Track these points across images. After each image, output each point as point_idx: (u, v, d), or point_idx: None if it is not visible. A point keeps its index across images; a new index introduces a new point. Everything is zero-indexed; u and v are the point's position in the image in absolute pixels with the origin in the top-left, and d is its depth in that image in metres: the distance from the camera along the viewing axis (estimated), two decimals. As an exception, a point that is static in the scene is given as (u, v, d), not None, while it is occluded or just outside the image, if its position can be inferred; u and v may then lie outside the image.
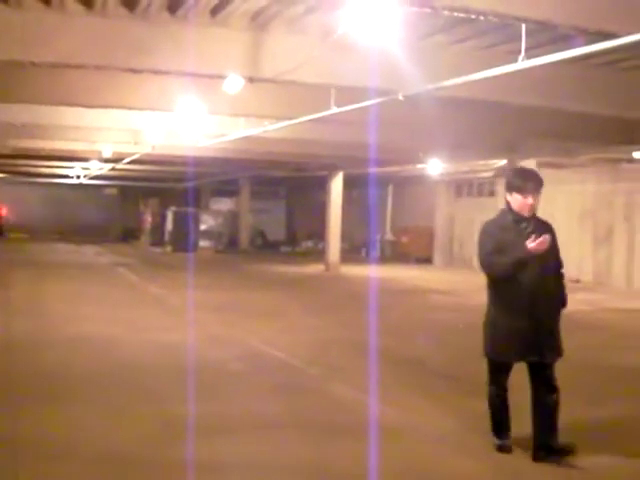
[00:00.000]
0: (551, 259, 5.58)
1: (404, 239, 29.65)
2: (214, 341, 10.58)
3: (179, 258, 27.83)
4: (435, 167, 22.47)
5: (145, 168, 28.70)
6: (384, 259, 29.14)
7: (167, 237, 33.54)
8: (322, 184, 26.05)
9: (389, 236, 31.87)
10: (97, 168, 28.36)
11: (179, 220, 32.62)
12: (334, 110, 10.50)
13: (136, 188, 39.98)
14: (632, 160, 17.39)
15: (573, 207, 20.99)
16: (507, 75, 7.74)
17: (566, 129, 13.73)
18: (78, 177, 33.00)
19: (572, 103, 10.31)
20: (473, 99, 9.99)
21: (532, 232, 5.37)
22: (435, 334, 11.70)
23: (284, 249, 35.54)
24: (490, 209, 26.38)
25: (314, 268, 24.73)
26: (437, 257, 28.50)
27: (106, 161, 24.79)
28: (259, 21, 8.24)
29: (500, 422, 5.77)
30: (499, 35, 8.45)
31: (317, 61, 8.11)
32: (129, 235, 39.21)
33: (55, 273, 20.71)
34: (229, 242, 34.42)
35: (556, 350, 5.56)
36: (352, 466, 5.45)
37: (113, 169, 27.88)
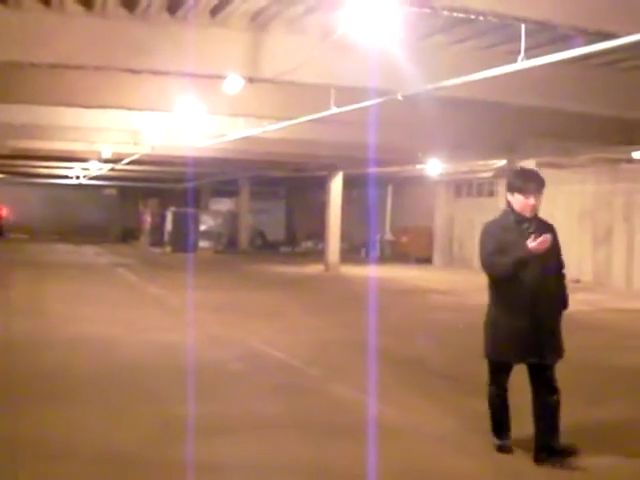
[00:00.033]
0: (552, 259, 5.57)
1: (404, 239, 29.65)
2: (214, 341, 10.58)
3: (178, 258, 27.82)
4: (435, 167, 22.47)
5: (144, 168, 28.71)
6: (384, 259, 29.14)
7: (167, 237, 33.54)
8: (322, 184, 26.05)
9: (389, 236, 31.87)
10: (96, 168, 28.36)
11: (179, 220, 32.62)
12: (334, 110, 10.50)
13: (135, 188, 39.98)
14: (631, 160, 17.39)
15: (572, 207, 21.00)
16: (506, 75, 7.74)
17: (565, 129, 13.73)
18: (77, 177, 33.01)
19: (571, 103, 10.32)
20: (472, 99, 9.99)
21: (533, 232, 5.35)
22: (435, 334, 11.70)
23: (284, 249, 35.54)
24: (490, 209, 26.46)
25: (314, 268, 24.73)
26: (437, 257, 28.50)
27: (105, 161, 24.79)
28: (259, 21, 8.24)
29: (500, 422, 5.77)
30: (498, 35, 8.45)
31: (317, 61, 8.11)
32: (128, 235, 39.21)
33: (55, 273, 20.71)
34: (229, 242, 34.42)
35: (557, 351, 5.55)
36: (352, 466, 5.45)
37: (112, 169, 27.87)
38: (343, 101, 10.37)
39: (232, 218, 35.92)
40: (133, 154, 21.12)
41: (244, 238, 34.75)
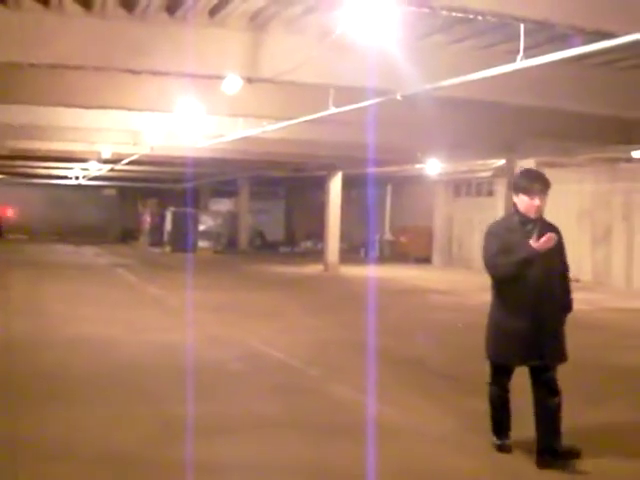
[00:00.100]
0: (556, 261, 5.55)
1: (403, 239, 29.65)
2: (213, 341, 10.58)
3: (178, 259, 27.82)
4: (434, 167, 22.48)
5: (144, 169, 28.73)
6: (383, 259, 29.14)
7: (166, 238, 33.54)
8: (321, 184, 26.05)
9: (388, 236, 31.88)
10: (96, 169, 28.38)
11: (178, 221, 32.62)
12: (332, 110, 10.50)
13: (135, 189, 39.99)
14: (630, 159, 17.41)
15: (571, 207, 21.00)
16: (505, 75, 7.74)
17: (564, 129, 13.75)
18: (77, 178, 33.02)
19: (570, 103, 10.33)
20: (471, 99, 10.00)
21: (537, 233, 5.33)
22: (434, 334, 11.70)
23: (283, 249, 35.54)
24: (489, 209, 26.44)
25: (313, 268, 24.73)
26: (436, 257, 28.50)
27: (105, 162, 24.81)
28: (258, 21, 8.25)
29: (500, 422, 5.77)
30: (497, 35, 8.46)
31: (315, 61, 8.12)
32: (128, 236, 39.20)
33: (54, 274, 20.70)
34: (228, 242, 34.41)
35: (559, 354, 5.52)
36: (351, 466, 5.45)
37: (112, 170, 27.89)
38: (342, 101, 10.38)
39: (231, 218, 35.91)
40: (132, 154, 21.13)
41: (243, 238, 34.74)
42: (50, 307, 13.83)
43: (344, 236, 26.72)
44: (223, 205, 38.84)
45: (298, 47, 8.41)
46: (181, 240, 31.15)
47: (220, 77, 8.92)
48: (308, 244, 35.61)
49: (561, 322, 5.61)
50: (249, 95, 10.30)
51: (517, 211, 5.57)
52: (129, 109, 12.50)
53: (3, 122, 14.11)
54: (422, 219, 29.25)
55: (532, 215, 5.50)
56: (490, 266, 5.53)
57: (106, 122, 14.43)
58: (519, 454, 5.66)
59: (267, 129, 13.53)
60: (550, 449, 5.45)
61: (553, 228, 5.53)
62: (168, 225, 33.50)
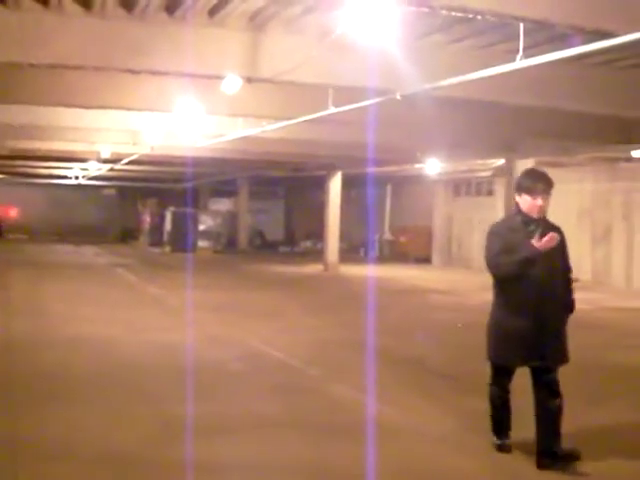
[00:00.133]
0: (559, 261, 5.53)
1: (402, 239, 29.66)
2: (213, 341, 10.58)
3: (178, 258, 27.82)
4: (433, 167, 22.48)
5: (144, 169, 28.73)
6: (383, 259, 29.14)
7: (166, 237, 33.54)
8: (320, 184, 26.06)
9: (388, 236, 31.88)
10: (96, 169, 28.38)
11: (178, 220, 32.63)
12: (332, 110, 10.50)
13: (135, 188, 39.97)
14: (630, 159, 17.40)
15: (571, 206, 21.00)
16: (505, 74, 7.74)
17: (564, 128, 13.74)
18: (77, 178, 33.02)
19: (570, 102, 10.32)
20: (471, 98, 9.99)
21: (540, 233, 5.31)
22: (434, 334, 11.70)
23: (283, 249, 35.54)
24: (488, 208, 26.40)
25: (313, 268, 24.73)
26: (435, 257, 28.50)
27: (105, 162, 24.81)
28: (257, 21, 8.24)
29: (500, 422, 5.76)
30: (497, 34, 8.46)
31: (315, 61, 8.11)
32: (128, 235, 39.20)
33: (54, 273, 20.71)
34: (228, 242, 34.41)
35: (561, 355, 5.49)
36: (351, 466, 5.46)
37: (112, 170, 27.89)
38: (341, 101, 10.38)
39: (231, 218, 35.92)
40: (132, 154, 21.13)
41: (243, 238, 34.75)
42: (50, 307, 13.83)
43: (344, 236, 26.73)
44: (223, 205, 38.85)
45: (297, 47, 8.41)
46: (181, 240, 31.15)
47: (219, 77, 8.92)
48: (308, 244, 35.62)
49: (563, 322, 5.59)
50: (248, 95, 10.30)
51: (520, 211, 5.54)
52: (129, 109, 12.49)
53: (3, 122, 14.11)
54: (422, 219, 29.26)
55: (535, 215, 5.47)
56: (492, 266, 5.50)
57: (106, 122, 14.43)
58: (519, 454, 5.66)
59: (267, 129, 13.52)
60: (549, 452, 5.43)
61: (556, 228, 5.51)
62: (168, 225, 33.50)
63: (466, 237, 26.66)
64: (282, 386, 8.02)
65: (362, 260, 28.29)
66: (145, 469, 5.40)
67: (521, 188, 5.54)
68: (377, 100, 9.79)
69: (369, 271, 22.47)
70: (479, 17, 6.58)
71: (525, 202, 5.49)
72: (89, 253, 30.22)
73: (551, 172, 5.67)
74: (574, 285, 5.82)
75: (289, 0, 7.58)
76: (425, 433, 6.41)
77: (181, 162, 24.60)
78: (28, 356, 9.13)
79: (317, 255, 27.17)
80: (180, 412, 6.63)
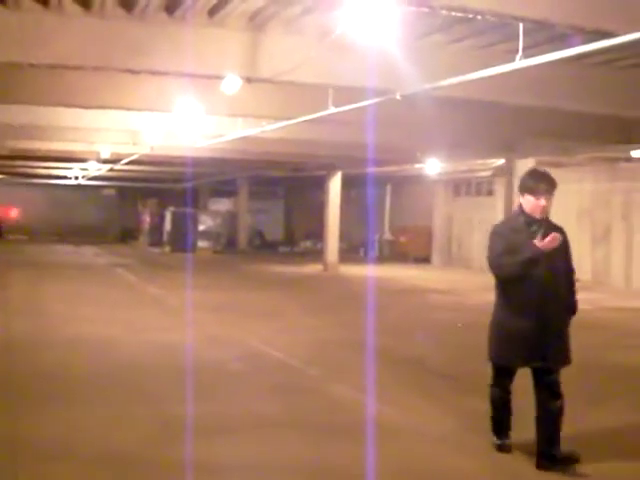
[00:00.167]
0: (562, 262, 5.50)
1: (402, 239, 29.66)
2: (213, 341, 10.58)
3: (177, 258, 27.82)
4: (433, 166, 22.48)
5: (143, 169, 28.73)
6: (382, 259, 29.14)
7: (166, 237, 33.55)
8: (320, 184, 26.06)
9: (387, 236, 31.88)
10: (95, 169, 28.38)
11: (177, 220, 32.63)
12: (332, 110, 10.50)
13: (134, 189, 39.99)
14: (630, 159, 17.40)
15: (571, 206, 21.01)
16: (505, 74, 7.74)
17: (564, 128, 13.75)
18: (76, 178, 33.02)
19: (569, 102, 10.33)
20: (471, 98, 10.00)
21: (542, 234, 5.29)
22: (434, 333, 11.70)
23: (282, 249, 35.54)
24: (488, 208, 26.36)
25: (312, 268, 24.73)
26: (435, 256, 28.50)
27: (104, 162, 24.81)
28: (257, 21, 8.24)
29: (501, 422, 5.74)
30: (496, 34, 8.46)
31: (315, 61, 8.12)
32: (127, 236, 39.21)
33: (54, 274, 20.71)
34: (227, 242, 34.42)
35: (563, 356, 5.47)
36: (351, 466, 5.45)
37: (111, 170, 27.90)
38: (341, 101, 10.38)
39: (231, 218, 35.93)
40: (132, 154, 21.14)
41: (243, 238, 34.76)
42: (50, 307, 13.83)
43: (343, 236, 26.73)
44: (222, 205, 38.86)
45: (297, 47, 8.41)
46: (180, 240, 31.16)
47: (219, 77, 8.92)
48: (307, 244, 35.62)
49: (565, 323, 5.56)
50: (248, 95, 10.30)
51: (523, 211, 5.51)
52: (128, 109, 12.49)
53: (3, 122, 14.11)
54: (422, 219, 29.25)
55: (538, 215, 5.45)
56: (494, 266, 5.47)
57: (105, 122, 14.44)
58: (519, 454, 5.65)
59: (266, 129, 13.53)
60: (548, 455, 5.40)
61: (558, 229, 5.48)
62: (167, 225, 33.51)
63: (466, 237, 26.66)
64: (282, 386, 8.02)
65: (362, 260, 28.29)
66: (145, 469, 5.39)
67: (524, 188, 5.51)
68: (377, 100, 9.79)
69: (369, 271, 22.47)
70: (479, 17, 6.58)
71: (528, 202, 5.47)
72: (89, 253, 30.22)
73: (551, 172, 5.66)
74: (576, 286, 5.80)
75: (289, 0, 7.58)
76: (425, 433, 6.41)
77: (181, 162, 24.60)
78: (28, 356, 9.13)
79: (317, 255, 27.17)
80: (180, 412, 6.63)
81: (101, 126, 15.20)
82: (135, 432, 6.20)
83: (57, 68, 9.33)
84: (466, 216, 26.69)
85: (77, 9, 7.81)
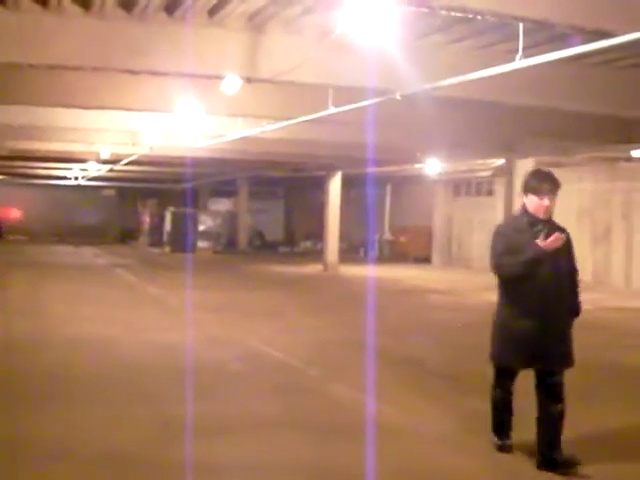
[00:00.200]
0: (565, 263, 5.48)
1: (402, 239, 29.66)
2: (213, 341, 10.58)
3: (177, 259, 27.82)
4: (433, 167, 22.48)
5: (143, 169, 28.73)
6: (382, 259, 29.14)
7: (165, 238, 33.55)
8: (320, 184, 26.06)
9: (387, 236, 31.89)
10: (95, 169, 28.38)
11: (177, 221, 32.64)
12: (332, 110, 10.50)
13: (134, 189, 40.01)
14: (630, 159, 17.40)
15: (571, 206, 21.00)
16: (504, 74, 7.74)
17: (563, 128, 13.75)
18: (76, 178, 33.02)
19: (569, 102, 10.33)
20: (471, 98, 10.00)
21: (545, 234, 5.24)
22: (434, 334, 11.70)
23: (282, 249, 35.55)
24: (488, 208, 26.30)
25: (312, 268, 24.73)
26: (435, 257, 28.50)
27: (104, 162, 24.82)
28: (256, 22, 8.24)
29: (502, 422, 5.72)
30: (496, 34, 8.46)
31: (314, 61, 8.12)
32: (127, 236, 39.23)
33: (54, 274, 20.70)
34: (227, 242, 34.43)
35: (565, 358, 5.44)
36: (351, 466, 5.45)
37: (111, 170, 27.89)
38: (341, 101, 10.38)
39: (231, 218, 35.94)
40: (132, 155, 21.14)
41: (243, 238, 34.77)
42: (50, 307, 13.83)
43: (343, 236, 26.73)
44: (222, 205, 38.88)
45: (297, 47, 8.41)
46: (180, 240, 31.16)
47: (219, 77, 8.93)
48: (307, 244, 35.64)
49: (568, 325, 5.53)
50: (248, 95, 10.30)
51: (526, 212, 5.48)
52: (128, 109, 12.50)
53: (2, 123, 14.11)
54: (421, 219, 29.26)
55: (541, 216, 5.42)
56: (497, 266, 5.45)
57: (105, 122, 14.44)
58: (520, 455, 5.64)
59: (266, 129, 13.53)
60: (549, 458, 5.36)
61: (562, 230, 5.42)
62: (167, 225, 33.52)
63: (466, 237, 26.66)
64: (282, 386, 8.01)
65: (362, 260, 28.29)
66: (145, 469, 5.39)
67: (527, 188, 5.48)
68: (377, 100, 9.79)
69: (369, 271, 22.46)
70: (479, 17, 6.59)
71: (531, 202, 5.44)
72: (89, 254, 30.22)
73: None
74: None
75: (288, 0, 7.58)
76: (425, 433, 6.40)
77: (181, 162, 24.60)
78: (28, 356, 9.12)
79: (317, 255, 27.16)
80: (180, 412, 6.63)
81: (100, 126, 15.21)
82: (135, 432, 6.20)
83: (56, 68, 9.33)
84: (466, 216, 26.69)
85: (76, 9, 7.81)
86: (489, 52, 8.94)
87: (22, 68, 9.48)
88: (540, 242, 5.21)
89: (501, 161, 19.96)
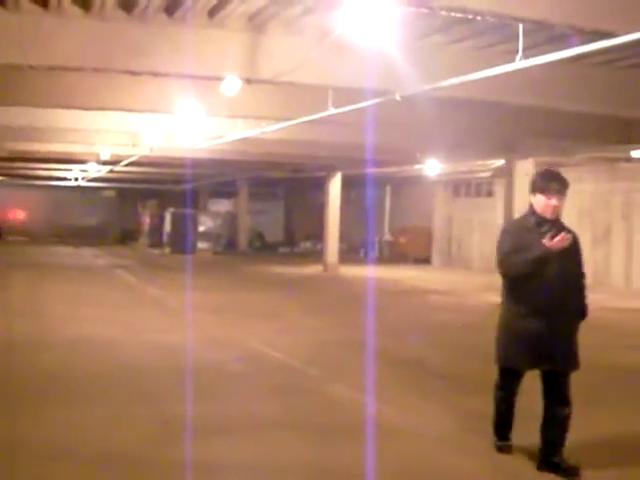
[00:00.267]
0: (572, 264, 5.47)
1: (402, 239, 29.66)
2: (213, 342, 10.58)
3: (177, 260, 27.83)
4: (433, 167, 22.48)
5: (143, 170, 28.72)
6: (382, 260, 29.15)
7: (165, 239, 33.55)
8: (320, 185, 26.07)
9: (387, 237, 31.90)
10: (95, 170, 28.38)
11: (177, 222, 32.63)
12: (332, 111, 10.51)
13: (134, 190, 40.00)
14: (630, 159, 17.41)
15: (571, 206, 20.96)
16: (504, 75, 7.74)
17: (563, 128, 13.75)
18: (76, 179, 33.01)
19: (569, 102, 10.33)
20: (470, 99, 10.00)
21: (552, 234, 5.21)
22: (433, 334, 11.68)
23: (282, 250, 35.56)
24: (488, 209, 26.27)
25: (312, 269, 24.74)
26: (435, 257, 28.51)
27: (104, 163, 24.82)
28: (256, 22, 8.25)
29: (503, 423, 5.72)
30: (496, 35, 8.46)
31: (314, 62, 8.12)
32: (127, 237, 39.24)
33: (54, 275, 20.71)
34: (227, 243, 34.44)
35: (571, 359, 5.42)
36: (351, 466, 5.45)
37: (111, 171, 27.89)
38: (341, 102, 10.38)
39: (231, 219, 35.95)
40: (132, 156, 21.13)
41: (243, 239, 34.77)
42: (50, 308, 13.83)
43: (343, 237, 26.74)
44: (222, 206, 38.88)
45: (297, 48, 8.41)
46: (180, 241, 31.16)
47: (219, 78, 8.93)
48: (307, 245, 35.65)
49: (574, 327, 5.51)
50: (248, 96, 10.30)
51: (534, 211, 5.46)
52: (128, 110, 12.50)
53: (2, 124, 14.11)
54: (421, 220, 29.26)
55: (549, 215, 5.39)
56: (503, 265, 5.42)
57: (105, 123, 14.44)
58: (520, 455, 5.64)
59: (266, 130, 13.53)
60: (551, 462, 5.34)
61: (569, 231, 5.40)
62: (167, 226, 33.51)
63: (466, 238, 26.66)
64: (282, 387, 8.02)
65: (362, 261, 28.30)
66: (145, 469, 5.39)
67: (535, 188, 5.45)
68: (377, 101, 9.79)
69: (369, 272, 22.46)
70: (479, 18, 6.59)
71: (539, 202, 5.41)
72: (89, 255, 30.22)
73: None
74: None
75: (288, 1, 7.58)
76: (425, 433, 6.41)
77: (181, 163, 24.60)
78: (28, 357, 9.12)
79: (317, 256, 27.16)
80: (180, 413, 6.63)
81: (101, 127, 15.20)
82: (135, 432, 6.20)
83: (56, 70, 9.34)
84: (466, 217, 26.69)
85: (77, 10, 7.81)
86: (489, 53, 8.94)
87: (22, 69, 9.47)
88: (546, 242, 5.18)
89: (501, 162, 19.97)
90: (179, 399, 7.12)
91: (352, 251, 31.21)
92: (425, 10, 6.53)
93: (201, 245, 32.63)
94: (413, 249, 28.88)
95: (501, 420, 5.73)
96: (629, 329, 13.04)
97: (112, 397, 7.32)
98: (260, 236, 37.78)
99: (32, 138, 16.74)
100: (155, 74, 9.39)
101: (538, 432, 5.45)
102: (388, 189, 32.14)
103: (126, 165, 24.24)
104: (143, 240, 37.07)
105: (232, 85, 9.04)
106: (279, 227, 40.75)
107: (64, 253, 30.87)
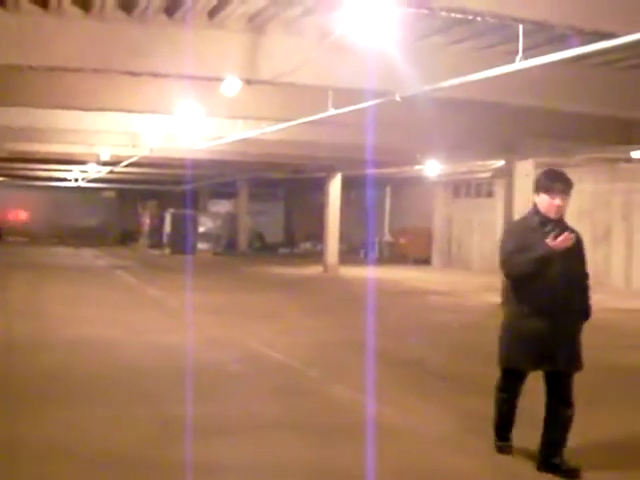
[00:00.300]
0: (575, 265, 5.44)
1: (402, 240, 29.66)
2: (213, 343, 10.58)
3: (177, 260, 27.83)
4: (433, 168, 22.48)
5: (143, 171, 28.72)
6: (382, 260, 29.15)
7: (165, 239, 33.56)
8: (320, 186, 26.08)
9: (387, 237, 31.91)
10: (95, 171, 28.38)
11: (177, 222, 32.64)
12: (332, 112, 10.51)
13: (134, 191, 39.99)
14: (630, 160, 17.41)
15: (571, 207, 20.90)
16: (504, 76, 7.75)
17: (563, 129, 13.74)
18: (76, 180, 33.01)
19: (569, 103, 10.33)
20: (470, 100, 10.00)
21: (556, 234, 5.19)
22: (433, 335, 11.68)
23: (282, 251, 35.56)
24: (488, 210, 26.27)
25: (312, 270, 24.73)
26: (435, 258, 28.51)
27: (104, 164, 24.82)
28: (256, 23, 8.25)
29: (504, 424, 5.71)
30: (496, 36, 8.46)
31: (314, 63, 8.12)
32: (127, 238, 39.24)
33: (54, 276, 20.71)
34: (227, 244, 34.44)
35: (573, 360, 5.41)
36: (351, 467, 5.45)
37: (111, 172, 27.89)
38: (341, 102, 10.38)
39: (231, 220, 35.95)
40: (132, 156, 21.13)
41: (243, 240, 34.76)
42: (50, 309, 13.84)
43: (343, 237, 26.74)
44: (222, 207, 38.89)
45: (297, 48, 8.41)
46: (180, 242, 31.17)
47: (219, 79, 8.93)
48: (307, 245, 35.66)
49: (577, 328, 5.49)
50: (248, 97, 10.30)
51: (537, 211, 5.44)
52: (128, 111, 12.50)
53: (2, 124, 14.11)
54: (421, 220, 29.27)
55: (552, 215, 5.37)
56: (506, 265, 5.41)
57: (105, 124, 14.43)
58: (520, 456, 5.63)
59: (266, 131, 13.53)
60: (551, 463, 5.33)
61: (573, 231, 5.36)
62: (167, 227, 33.52)
63: (466, 238, 26.66)
64: (282, 387, 8.02)
65: (362, 262, 28.29)
66: (145, 470, 5.39)
67: (539, 187, 5.43)
68: (377, 102, 9.79)
69: (369, 273, 22.46)
70: (479, 18, 6.58)
71: (543, 201, 5.39)
72: (89, 255, 30.22)
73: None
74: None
75: (289, 1, 7.58)
76: (425, 434, 6.41)
77: (181, 164, 24.61)
78: (28, 357, 9.13)
79: (317, 257, 27.17)
80: (180, 413, 6.63)
81: (101, 128, 15.19)
82: (135, 433, 6.21)
83: (56, 70, 9.33)
84: (466, 217, 26.69)
85: (77, 11, 7.81)
86: (489, 53, 8.94)
87: (22, 70, 9.47)
88: (550, 241, 5.16)
89: (501, 162, 19.96)
90: (179, 400, 7.12)
91: (352, 252, 31.21)
92: (425, 11, 6.52)
93: (201, 246, 32.64)
94: (413, 250, 28.88)
95: (502, 421, 5.72)
96: (629, 329, 13.04)
97: (112, 397, 7.33)
98: (260, 237, 37.78)
99: (32, 139, 16.74)
100: (155, 75, 9.39)
101: (538, 433, 5.45)
102: (388, 190, 32.14)
103: (126, 166, 24.23)
104: (143, 241, 37.08)
105: (232, 86, 9.04)
106: (279, 228, 40.75)
107: (64, 254, 30.87)
